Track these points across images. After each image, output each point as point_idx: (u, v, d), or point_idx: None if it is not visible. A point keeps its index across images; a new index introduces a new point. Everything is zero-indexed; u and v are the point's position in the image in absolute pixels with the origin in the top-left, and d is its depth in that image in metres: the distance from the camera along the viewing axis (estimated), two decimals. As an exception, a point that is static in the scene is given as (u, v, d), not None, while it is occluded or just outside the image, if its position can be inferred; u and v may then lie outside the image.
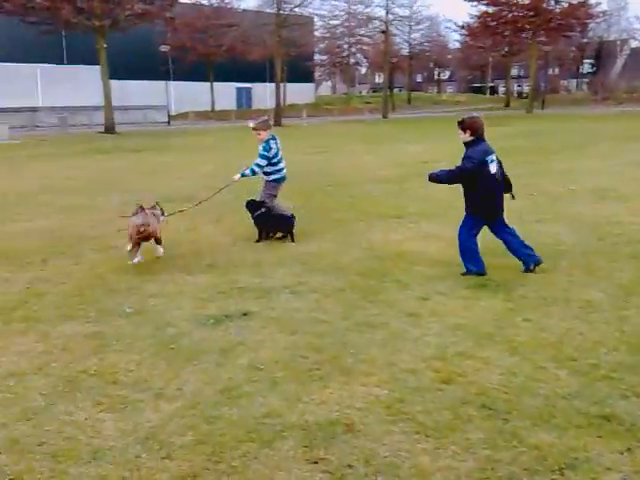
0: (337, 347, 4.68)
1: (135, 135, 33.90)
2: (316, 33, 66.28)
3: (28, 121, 40.39)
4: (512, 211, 9.67)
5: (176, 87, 56.25)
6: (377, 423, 3.61)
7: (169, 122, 46.84)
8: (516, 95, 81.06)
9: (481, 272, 6.37)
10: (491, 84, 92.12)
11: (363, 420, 3.64)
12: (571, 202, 10.48)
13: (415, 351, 4.58)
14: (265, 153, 8.20)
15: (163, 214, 7.86)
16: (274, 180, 8.43)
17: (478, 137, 6.24)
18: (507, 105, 65.03)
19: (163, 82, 50.22)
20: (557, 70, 77.73)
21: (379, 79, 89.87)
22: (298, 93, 64.98)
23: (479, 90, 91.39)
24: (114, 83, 35.94)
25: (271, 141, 8.26)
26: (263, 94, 64.53)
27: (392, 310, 5.45)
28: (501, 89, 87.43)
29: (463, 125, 6.29)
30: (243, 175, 8.26)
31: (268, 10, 45.95)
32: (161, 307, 5.73)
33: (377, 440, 3.44)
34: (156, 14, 37.15)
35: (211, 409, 3.81)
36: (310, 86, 73.02)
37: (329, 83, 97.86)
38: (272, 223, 8.33)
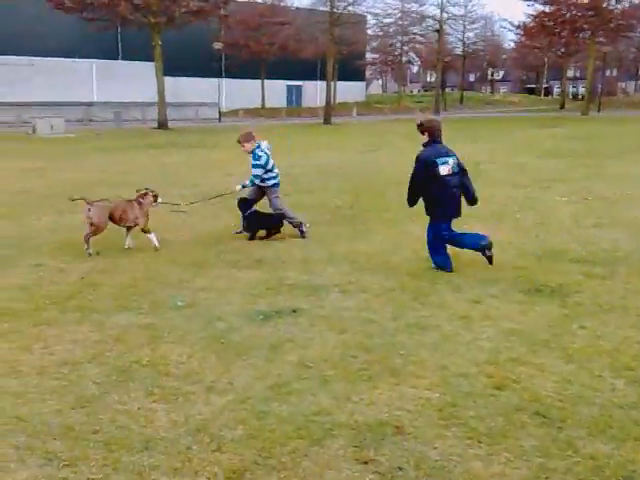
0: (387, 348, 4.64)
1: (187, 131, 34.40)
2: (368, 31, 66.03)
3: (83, 115, 41.38)
4: (568, 215, 9.50)
5: (227, 84, 56.84)
6: (428, 426, 3.56)
7: (220, 119, 47.35)
8: (571, 97, 79.30)
9: (446, 268, 6.53)
10: (545, 85, 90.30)
11: (413, 423, 3.60)
12: (628, 207, 10.18)
13: (467, 355, 4.50)
14: (257, 162, 8.33)
15: (156, 201, 7.97)
16: (273, 185, 8.55)
17: (434, 139, 6.47)
18: (562, 107, 63.75)
19: (215, 79, 50.81)
20: (615, 72, 75.67)
21: (431, 78, 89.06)
22: (348, 91, 64.87)
23: (533, 91, 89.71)
24: (167, 79, 36.49)
25: (257, 150, 8.37)
26: (313, 92, 64.67)
27: (443, 312, 5.38)
28: (556, 90, 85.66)
29: (422, 127, 6.59)
30: (244, 186, 8.54)
31: (321, 8, 45.97)
32: (211, 301, 5.78)
33: (428, 443, 3.39)
34: (211, 11, 37.57)
35: (261, 404, 3.82)
36: (361, 84, 72.81)
37: (379, 82, 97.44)
38: (261, 222, 8.49)
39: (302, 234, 8.47)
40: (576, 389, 3.96)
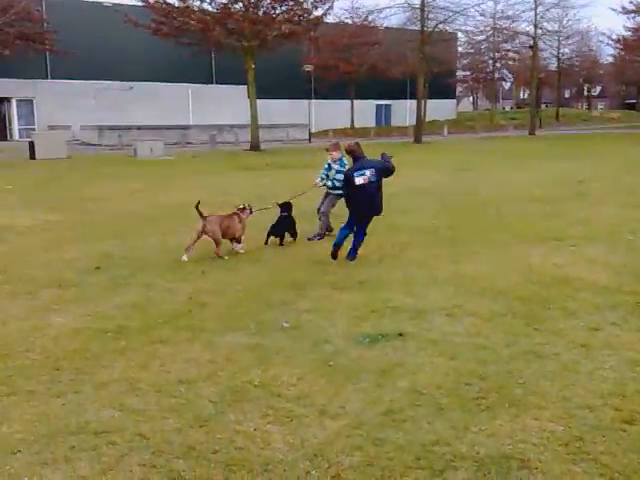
0: (503, 376, 4.47)
1: (279, 152, 35.05)
2: (459, 49, 65.22)
3: (180, 138, 42.97)
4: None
5: (317, 105, 57.54)
6: (555, 461, 3.39)
7: (310, 139, 48.00)
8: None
9: (337, 242, 8.23)
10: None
11: (539, 457, 3.43)
12: None
13: (590, 386, 4.27)
14: (342, 169, 9.22)
15: (251, 212, 9.03)
16: (337, 194, 9.36)
17: (356, 158, 8.31)
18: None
19: (305, 100, 51.55)
20: None
21: (524, 94, 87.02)
22: (439, 109, 64.18)
23: (634, 106, 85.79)
24: (258, 102, 37.35)
25: (344, 159, 9.43)
26: (402, 111, 64.44)
27: (560, 340, 5.14)
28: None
29: (347, 150, 8.56)
30: (325, 185, 9.68)
31: (412, 27, 45.85)
32: (316, 323, 5.79)
33: (557, 479, 3.21)
34: (302, 34, 38.22)
35: (376, 431, 3.76)
36: (451, 102, 71.92)
37: (470, 99, 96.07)
38: (285, 227, 9.37)
39: (310, 239, 9.55)
40: None
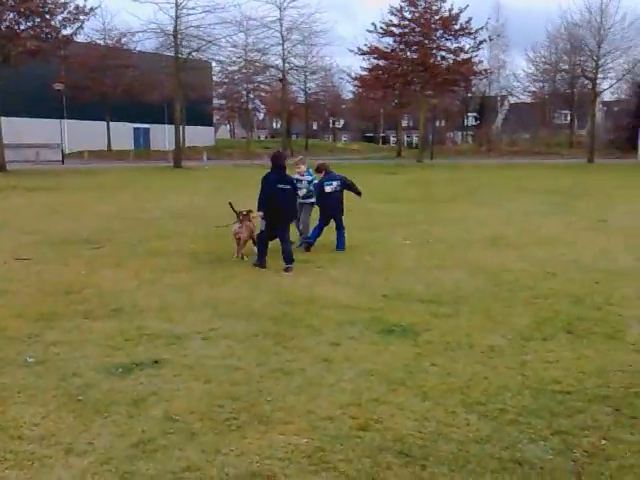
0: (253, 395, 4.65)
1: (27, 174, 32.50)
2: (215, 78, 66.61)
3: None
4: (413, 257, 10.12)
5: (71, 125, 54.56)
6: (299, 474, 3.60)
7: (63, 161, 45.21)
8: (406, 145, 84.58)
9: (311, 239, 10.77)
10: (383, 134, 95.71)
11: (285, 471, 3.62)
12: (466, 249, 11.01)
13: (331, 397, 4.62)
14: (313, 176, 11.07)
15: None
16: (311, 203, 11.07)
17: (326, 172, 11.04)
18: (399, 154, 67.64)
19: (57, 120, 48.60)
20: (444, 122, 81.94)
21: (277, 125, 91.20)
22: (197, 135, 64.69)
23: (372, 139, 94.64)
24: (4, 120, 34.27)
25: (310, 170, 11.18)
26: (162, 135, 63.73)
27: (306, 356, 5.49)
28: (392, 139, 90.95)
29: (319, 168, 11.15)
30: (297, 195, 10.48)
31: (166, 53, 45.83)
32: (65, 356, 5.48)
33: (300, 490, 3.43)
34: (50, 52, 35.99)
35: (126, 464, 3.67)
36: (209, 129, 72.98)
37: (227, 127, 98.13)
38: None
39: (298, 246, 10.68)
40: (434, 426, 4.19)
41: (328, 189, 10.78)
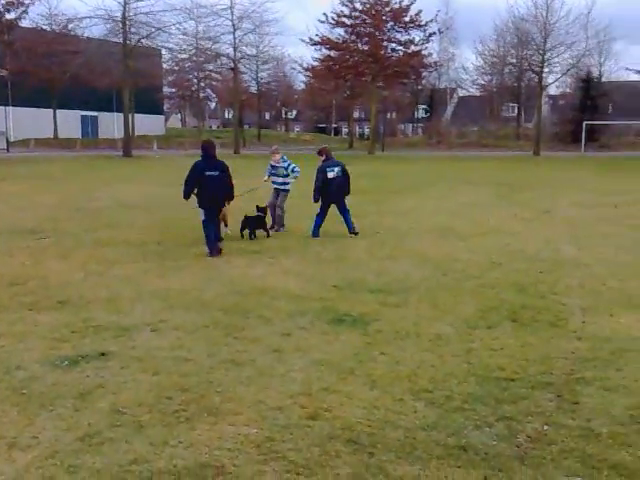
0: (203, 386, 4.63)
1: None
2: (164, 65, 65.45)
3: None
4: (364, 248, 10.20)
5: (16, 113, 52.90)
6: (248, 464, 3.61)
7: (8, 149, 43.85)
8: (358, 136, 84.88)
9: (314, 231, 11.21)
10: (335, 125, 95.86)
11: (234, 461, 3.62)
12: (416, 239, 11.15)
13: (282, 387, 4.64)
14: (289, 162, 11.86)
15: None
16: (287, 190, 11.81)
17: (327, 157, 11.25)
18: (350, 146, 67.84)
19: (1, 107, 47.10)
20: (395, 114, 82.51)
21: (229, 114, 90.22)
22: (148, 124, 63.49)
23: (324, 130, 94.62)
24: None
25: (284, 156, 11.94)
26: (110, 123, 62.32)
27: (257, 346, 5.49)
28: (344, 130, 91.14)
29: (320, 152, 11.44)
30: (273, 182, 11.90)
31: (114, 39, 44.85)
32: (9, 348, 5.36)
33: (249, 480, 3.44)
34: (-8, 37, 34.85)
35: (71, 458, 3.62)
36: (160, 118, 71.72)
37: (179, 116, 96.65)
38: (250, 223, 10.98)
39: (268, 233, 11.16)
40: (382, 414, 4.25)
41: (331, 175, 11.04)
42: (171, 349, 5.40)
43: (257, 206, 11.23)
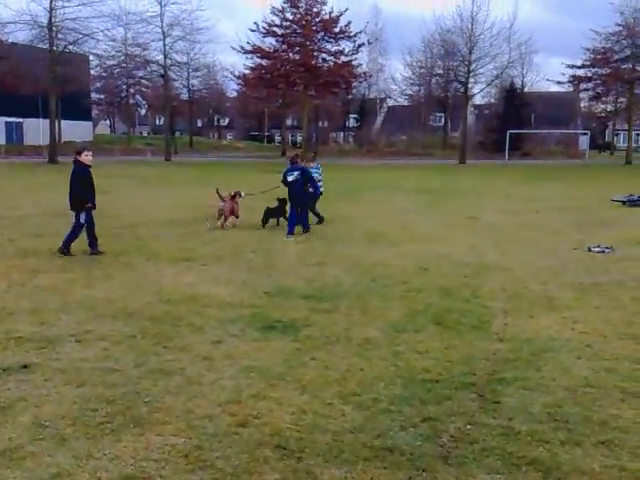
0: (130, 397, 4.55)
1: None
2: (93, 71, 63.98)
3: None
4: (295, 255, 10.26)
5: (-64, 118, 50.45)
6: (175, 474, 3.58)
7: None
8: (291, 144, 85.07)
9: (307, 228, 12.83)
10: (267, 133, 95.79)
11: (160, 472, 3.59)
12: (347, 246, 11.28)
13: (211, 396, 4.62)
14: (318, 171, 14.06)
15: (241, 196, 13.47)
16: (320, 193, 13.86)
17: (291, 163, 12.78)
18: (283, 154, 67.89)
19: None
20: (327, 123, 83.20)
21: (159, 121, 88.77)
22: (75, 130, 61.63)
23: (257, 138, 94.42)
24: None
25: (319, 165, 14.39)
26: (36, 130, 60.18)
27: (186, 355, 5.45)
28: (277, 138, 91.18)
29: (291, 159, 13.05)
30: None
31: (40, 45, 43.56)
32: None
33: (173, 491, 3.41)
34: None
35: (-9, 474, 3.50)
36: (88, 124, 69.81)
37: (107, 122, 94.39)
38: (272, 214, 13.34)
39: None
40: (311, 418, 4.30)
41: (290, 178, 12.40)
42: (97, 360, 5.29)
43: (277, 198, 13.14)
